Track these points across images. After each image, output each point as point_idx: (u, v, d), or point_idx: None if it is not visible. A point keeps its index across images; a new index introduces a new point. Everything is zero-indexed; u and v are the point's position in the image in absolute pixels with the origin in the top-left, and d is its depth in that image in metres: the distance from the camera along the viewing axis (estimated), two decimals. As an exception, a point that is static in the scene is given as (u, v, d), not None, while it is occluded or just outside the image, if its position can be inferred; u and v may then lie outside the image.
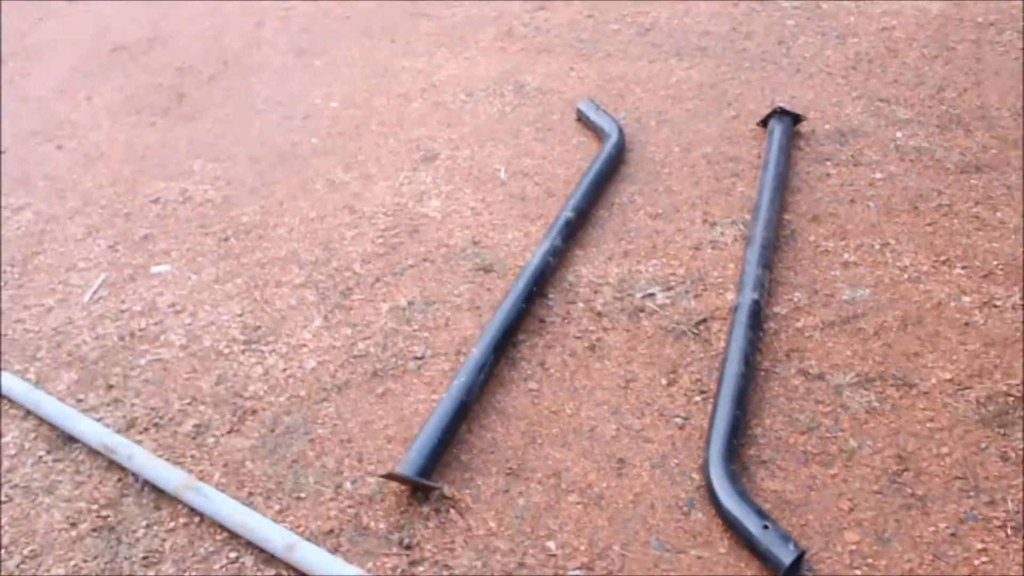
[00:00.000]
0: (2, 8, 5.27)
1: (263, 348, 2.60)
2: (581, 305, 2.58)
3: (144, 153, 3.61)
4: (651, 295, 2.59)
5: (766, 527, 1.90)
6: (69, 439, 2.38)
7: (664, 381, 2.34)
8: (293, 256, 2.92)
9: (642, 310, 2.55)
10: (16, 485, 2.29)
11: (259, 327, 2.67)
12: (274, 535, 2.04)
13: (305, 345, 2.58)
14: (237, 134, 3.65)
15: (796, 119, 3.23)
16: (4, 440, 2.41)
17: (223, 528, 2.10)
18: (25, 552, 2.13)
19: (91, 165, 3.58)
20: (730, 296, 2.55)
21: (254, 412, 2.40)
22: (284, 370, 2.51)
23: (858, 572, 1.92)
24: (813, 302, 2.55)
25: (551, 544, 2.00)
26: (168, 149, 3.61)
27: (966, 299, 2.55)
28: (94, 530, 2.15)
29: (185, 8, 4.89)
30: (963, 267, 2.66)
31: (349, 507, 2.14)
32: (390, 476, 2.10)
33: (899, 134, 3.22)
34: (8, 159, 3.68)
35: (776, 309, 2.52)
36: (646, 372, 2.37)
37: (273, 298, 2.76)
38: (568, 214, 2.77)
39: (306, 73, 4.05)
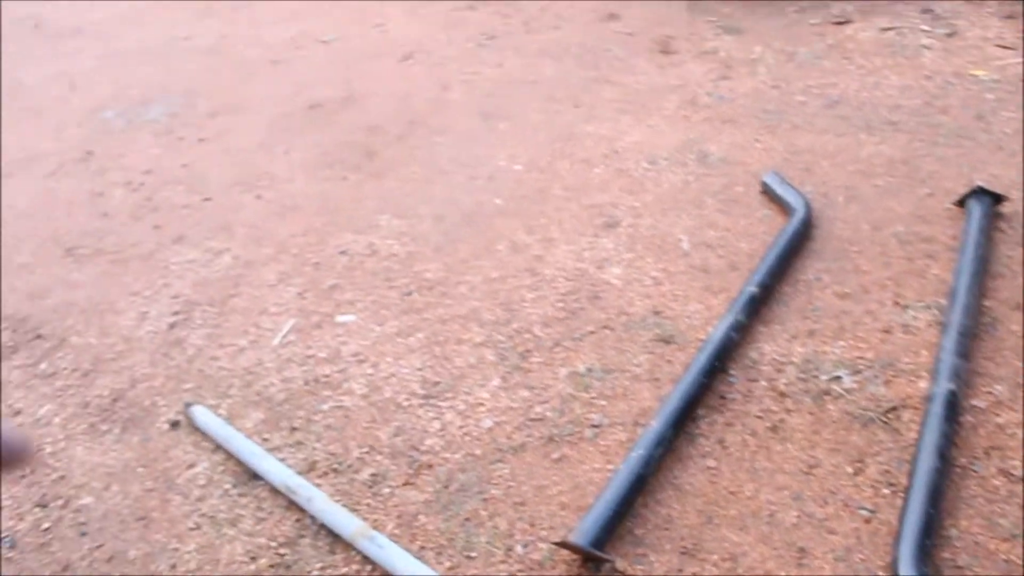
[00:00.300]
0: (208, 67, 5.66)
1: (441, 404, 2.65)
2: (763, 384, 2.52)
3: (335, 206, 3.78)
4: (837, 378, 2.50)
5: (961, 636, 1.79)
6: (253, 476, 2.50)
7: (850, 470, 2.25)
8: (474, 315, 2.98)
9: (827, 393, 2.46)
10: (204, 514, 2.42)
11: (438, 382, 2.72)
12: (448, 594, 2.06)
13: (482, 404, 2.62)
14: (423, 192, 3.77)
15: (997, 199, 3.08)
16: (195, 471, 2.55)
17: (396, 580, 2.15)
18: (211, 583, 2.24)
19: (286, 215, 3.77)
20: (923, 384, 2.44)
21: (430, 467, 2.44)
22: (461, 427, 2.56)
23: None
24: (1016, 396, 2.40)
25: (725, 631, 1.94)
26: (357, 203, 3.77)
27: None
28: (271, 566, 2.24)
29: (376, 70, 5.13)
30: None
31: (519, 571, 2.14)
32: (563, 544, 2.10)
33: (1113, 221, 3.03)
34: (213, 206, 3.93)
35: (974, 402, 2.39)
36: (830, 459, 2.28)
37: (453, 355, 2.82)
38: (752, 289, 2.72)
39: (491, 135, 4.16)
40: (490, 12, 5.76)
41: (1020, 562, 2.00)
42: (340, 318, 3.09)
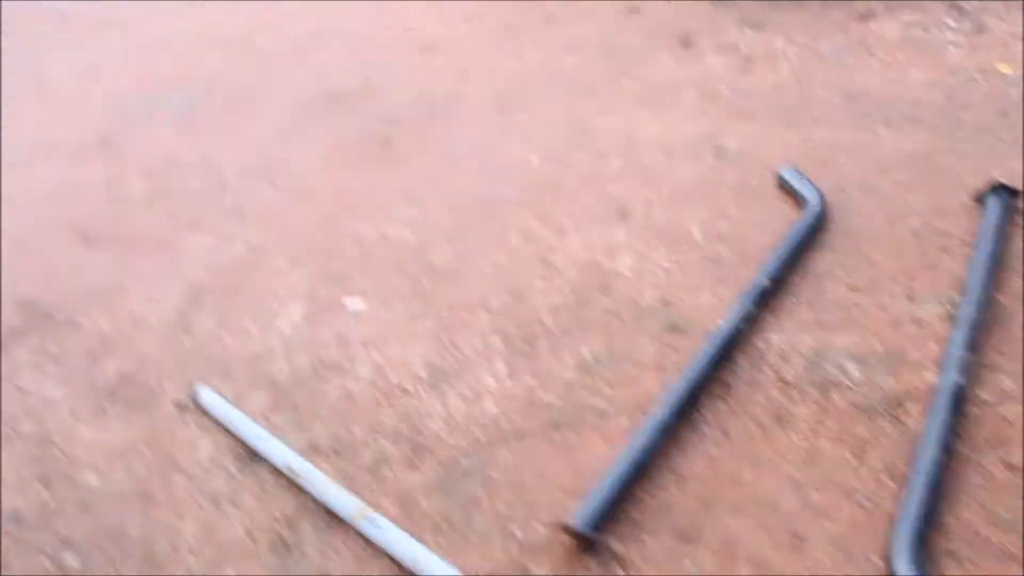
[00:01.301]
0: (230, 58, 5.71)
1: (446, 389, 2.65)
2: (770, 373, 2.50)
3: (349, 195, 3.79)
4: (844, 369, 2.48)
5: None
6: (256, 456, 2.52)
7: (852, 460, 2.23)
8: (483, 302, 2.98)
9: (834, 384, 2.44)
10: (206, 493, 2.44)
11: (444, 368, 2.73)
12: (442, 572, 2.07)
13: (488, 390, 2.62)
14: (438, 182, 3.78)
15: (1015, 194, 3.04)
16: (199, 451, 2.58)
17: (392, 560, 2.16)
18: (208, 557, 2.26)
19: (300, 203, 3.80)
20: (930, 377, 2.41)
21: (432, 451, 2.45)
22: (465, 412, 2.56)
23: None
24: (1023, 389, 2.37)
25: (721, 616, 1.93)
26: (371, 192, 3.78)
27: None
28: (271, 544, 2.26)
29: (396, 62, 5.14)
30: None
31: (517, 554, 2.15)
32: (562, 528, 2.10)
33: None
34: (228, 193, 3.96)
35: (981, 394, 2.36)
36: (833, 448, 2.26)
37: (460, 342, 2.83)
38: (763, 280, 2.70)
39: (507, 127, 4.16)
40: (512, 5, 5.74)
41: (1019, 552, 1.97)
42: (349, 304, 3.10)
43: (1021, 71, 4.00)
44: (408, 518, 2.27)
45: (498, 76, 4.73)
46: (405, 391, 2.68)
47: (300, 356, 2.88)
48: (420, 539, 2.19)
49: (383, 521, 2.23)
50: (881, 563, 1.98)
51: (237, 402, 2.73)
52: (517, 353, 2.73)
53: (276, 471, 2.45)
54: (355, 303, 3.10)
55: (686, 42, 4.81)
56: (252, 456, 2.52)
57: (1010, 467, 2.17)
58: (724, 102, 4.06)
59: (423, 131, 4.27)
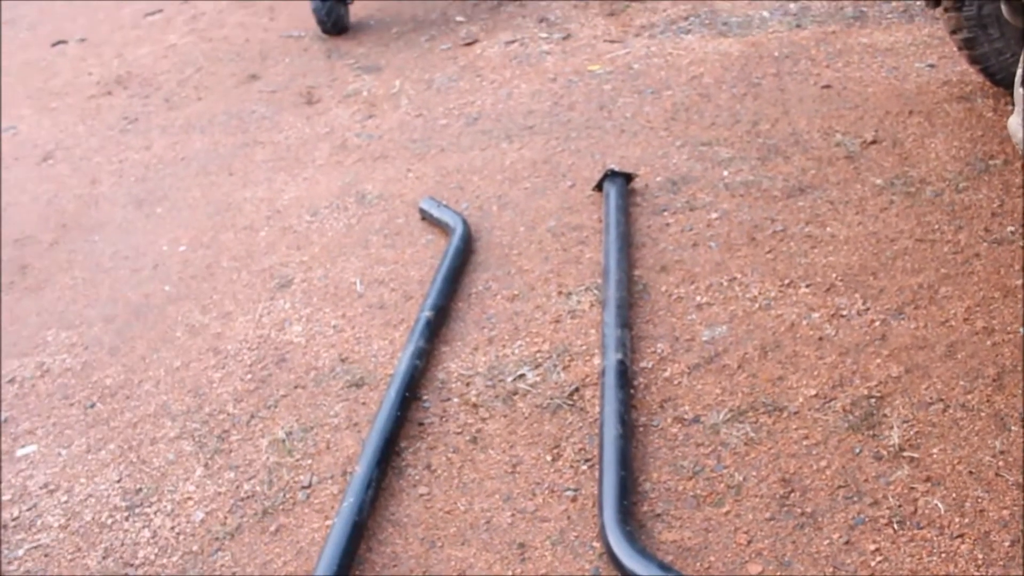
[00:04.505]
0: None
1: (148, 510, 2.52)
2: (456, 400, 2.60)
3: (-8, 335, 3.50)
4: (521, 376, 2.63)
5: (671, 579, 1.94)
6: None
7: (549, 457, 2.37)
8: (164, 410, 2.86)
9: (515, 393, 2.59)
10: None
11: (140, 489, 2.59)
12: None
13: (190, 498, 2.52)
14: (88, 296, 3.57)
15: (629, 178, 3.36)
16: None
17: None
18: None
19: (-63, 359, 3.45)
20: (597, 361, 2.62)
21: (148, 579, 2.32)
22: (172, 528, 2.45)
23: (767, 601, 1.97)
24: (676, 349, 2.64)
25: (469, 646, 1.99)
26: (18, 324, 3.51)
27: (815, 315, 2.68)
28: None
29: (14, 177, 4.79)
30: (807, 285, 2.80)
31: (260, 656, 2.09)
32: (295, 615, 2.07)
33: (725, 173, 3.40)
34: None
35: (642, 364, 2.60)
36: (530, 452, 2.40)
37: (150, 457, 2.70)
38: (427, 314, 2.81)
39: (149, 222, 4.01)
40: (128, 95, 5.54)
41: (706, 494, 2.19)
42: (20, 452, 2.86)
43: (608, 68, 4.42)
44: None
45: (129, 171, 4.54)
46: (104, 525, 2.51)
47: (-27, 527, 2.62)
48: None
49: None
50: (600, 545, 2.12)
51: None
52: (210, 451, 2.65)
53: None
54: (27, 450, 2.87)
55: (309, 98, 4.88)
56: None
57: (681, 421, 2.40)
58: (356, 149, 4.16)
59: (60, 245, 4.02)
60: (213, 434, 2.71)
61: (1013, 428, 2.23)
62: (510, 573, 2.11)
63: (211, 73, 5.57)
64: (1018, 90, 2.42)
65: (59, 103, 5.63)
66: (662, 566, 1.96)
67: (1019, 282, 2.67)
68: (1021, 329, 2.50)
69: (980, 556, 1.97)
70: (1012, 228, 2.88)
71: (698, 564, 2.05)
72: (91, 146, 4.95)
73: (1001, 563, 1.95)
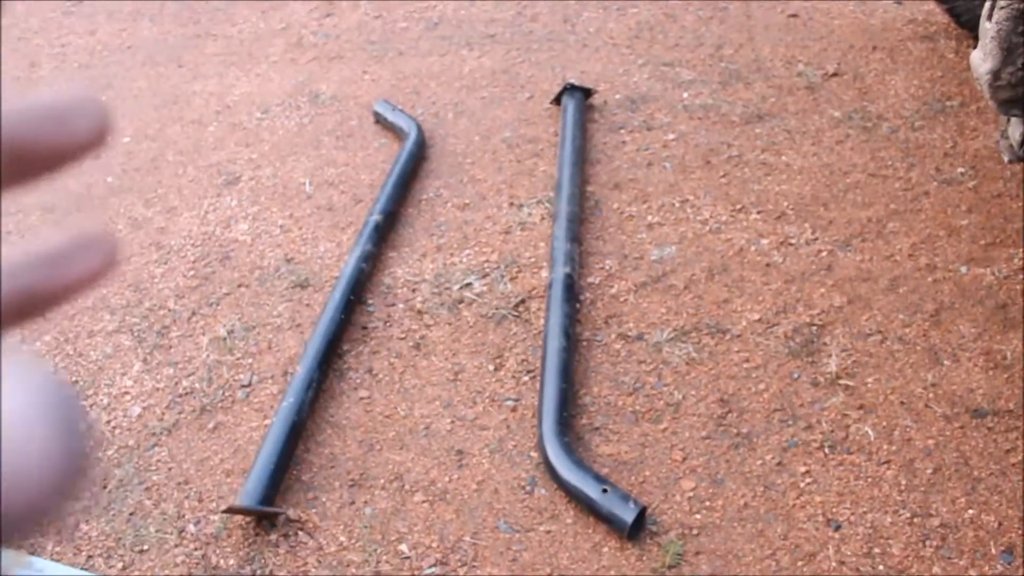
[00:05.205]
0: None
1: (83, 403, 2.49)
2: (401, 306, 2.59)
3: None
4: (468, 285, 2.62)
5: (605, 491, 1.97)
6: None
7: (491, 367, 2.38)
8: (103, 303, 2.80)
9: (461, 301, 2.58)
10: None
11: (75, 382, 2.55)
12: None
13: (127, 392, 2.49)
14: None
15: (588, 93, 3.32)
16: None
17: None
18: None
19: None
20: (544, 274, 2.61)
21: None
22: (108, 421, 2.42)
23: (698, 516, 2.01)
24: (624, 267, 2.64)
25: (403, 547, 2.01)
26: (-49, 211, 3.40)
27: (764, 242, 2.70)
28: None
29: (-49, 58, 4.60)
30: (758, 212, 2.81)
31: (196, 549, 2.09)
32: (231, 510, 2.07)
33: (685, 95, 3.37)
34: None
35: (590, 279, 2.60)
36: (473, 361, 2.40)
37: (87, 349, 2.65)
38: (376, 218, 2.77)
39: (92, 110, 3.88)
40: (72, -21, 5.32)
41: (645, 410, 2.22)
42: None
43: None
44: (73, 550, 2.12)
45: (72, 57, 4.38)
46: (35, 416, 2.48)
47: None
48: (91, 567, 2.06)
49: (41, 563, 2.07)
50: (537, 455, 2.15)
51: None
52: (149, 347, 2.61)
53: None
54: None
55: (264, -8, 4.72)
56: None
57: (625, 338, 2.42)
58: (312, 48, 4.05)
59: (-4, 132, 3.88)
60: (152, 329, 2.67)
61: (946, 363, 2.28)
62: (447, 478, 2.13)
63: (163, -41, 5.35)
64: (983, 24, 2.41)
65: (-1, -21, 5.38)
66: (597, 477, 1.99)
67: (964, 222, 2.70)
68: (962, 268, 2.54)
69: (904, 482, 2.03)
70: (962, 169, 2.90)
71: (633, 477, 2.08)
72: (30, 26, 4.75)
73: (922, 489, 2.01)
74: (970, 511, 1.97)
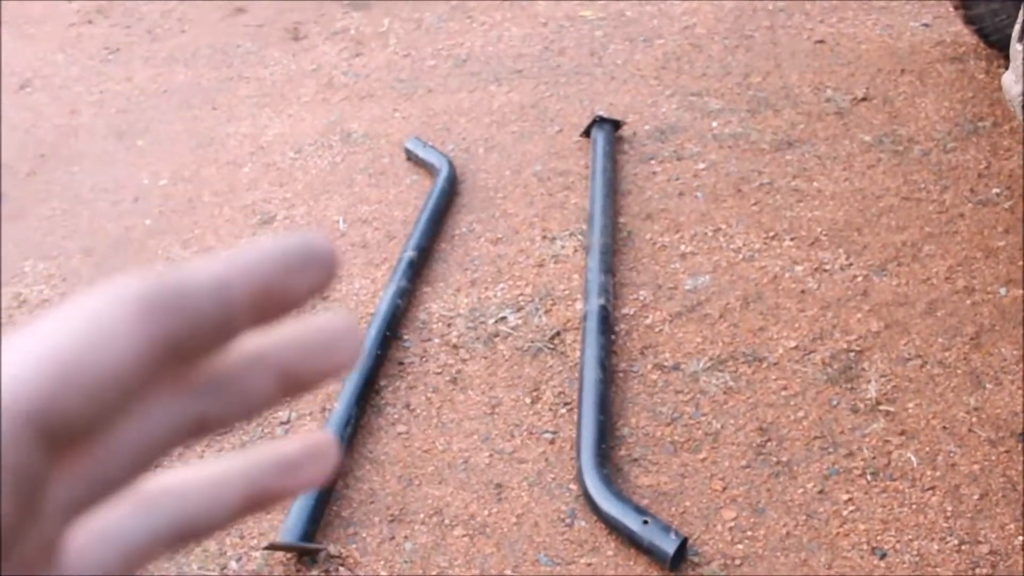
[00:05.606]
0: None
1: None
2: (437, 341, 2.60)
3: (-32, 264, 3.45)
4: (503, 319, 2.63)
5: (646, 522, 1.96)
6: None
7: (528, 400, 2.38)
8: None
9: (496, 335, 2.58)
10: None
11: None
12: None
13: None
14: (66, 228, 3.53)
15: (617, 125, 3.34)
16: None
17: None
18: None
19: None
20: (579, 306, 2.62)
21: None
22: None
23: (740, 546, 1.99)
24: (658, 297, 2.64)
25: (443, 582, 2.01)
26: (-6, 255, 3.47)
27: (799, 268, 2.69)
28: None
29: (-8, 107, 4.72)
30: (791, 239, 2.80)
31: (238, 587, 2.10)
32: (273, 547, 2.08)
33: (714, 124, 3.38)
34: None
35: (624, 310, 2.60)
36: (509, 394, 2.40)
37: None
38: (410, 254, 2.79)
39: (129, 154, 3.96)
40: (110, 25, 5.43)
41: (683, 440, 2.21)
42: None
43: (601, 14, 4.37)
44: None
45: (109, 102, 4.47)
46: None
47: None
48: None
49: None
50: (576, 488, 2.14)
51: None
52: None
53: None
54: None
55: (296, 34, 4.80)
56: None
57: (661, 368, 2.41)
58: (343, 88, 4.10)
59: (38, 176, 3.96)
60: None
61: (988, 386, 2.26)
62: (486, 512, 2.13)
63: (195, 5, 5.46)
64: (1014, 46, 2.41)
65: (37, 30, 5.52)
66: (637, 509, 1.98)
67: (1001, 243, 2.68)
68: (1001, 290, 2.52)
69: (949, 508, 2.00)
70: (997, 190, 2.88)
71: (673, 508, 2.07)
72: (71, 75, 4.86)
73: (969, 515, 1.98)
74: (1020, 537, 1.94)
